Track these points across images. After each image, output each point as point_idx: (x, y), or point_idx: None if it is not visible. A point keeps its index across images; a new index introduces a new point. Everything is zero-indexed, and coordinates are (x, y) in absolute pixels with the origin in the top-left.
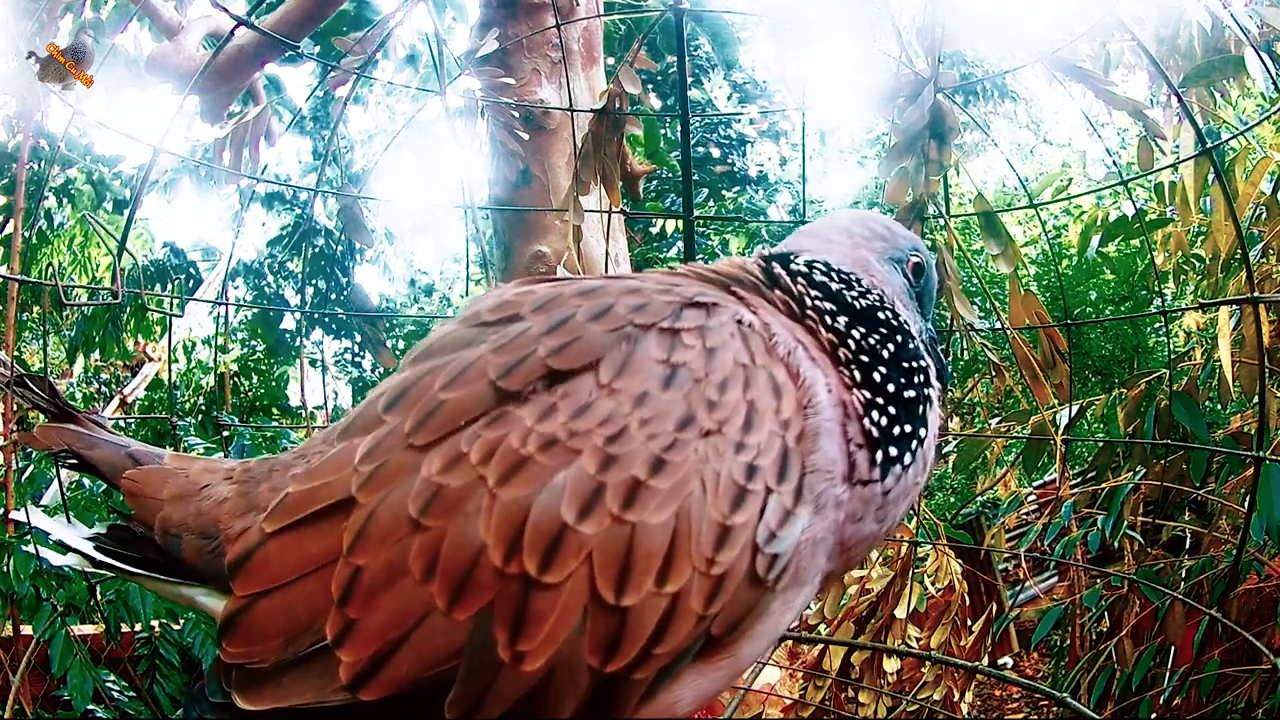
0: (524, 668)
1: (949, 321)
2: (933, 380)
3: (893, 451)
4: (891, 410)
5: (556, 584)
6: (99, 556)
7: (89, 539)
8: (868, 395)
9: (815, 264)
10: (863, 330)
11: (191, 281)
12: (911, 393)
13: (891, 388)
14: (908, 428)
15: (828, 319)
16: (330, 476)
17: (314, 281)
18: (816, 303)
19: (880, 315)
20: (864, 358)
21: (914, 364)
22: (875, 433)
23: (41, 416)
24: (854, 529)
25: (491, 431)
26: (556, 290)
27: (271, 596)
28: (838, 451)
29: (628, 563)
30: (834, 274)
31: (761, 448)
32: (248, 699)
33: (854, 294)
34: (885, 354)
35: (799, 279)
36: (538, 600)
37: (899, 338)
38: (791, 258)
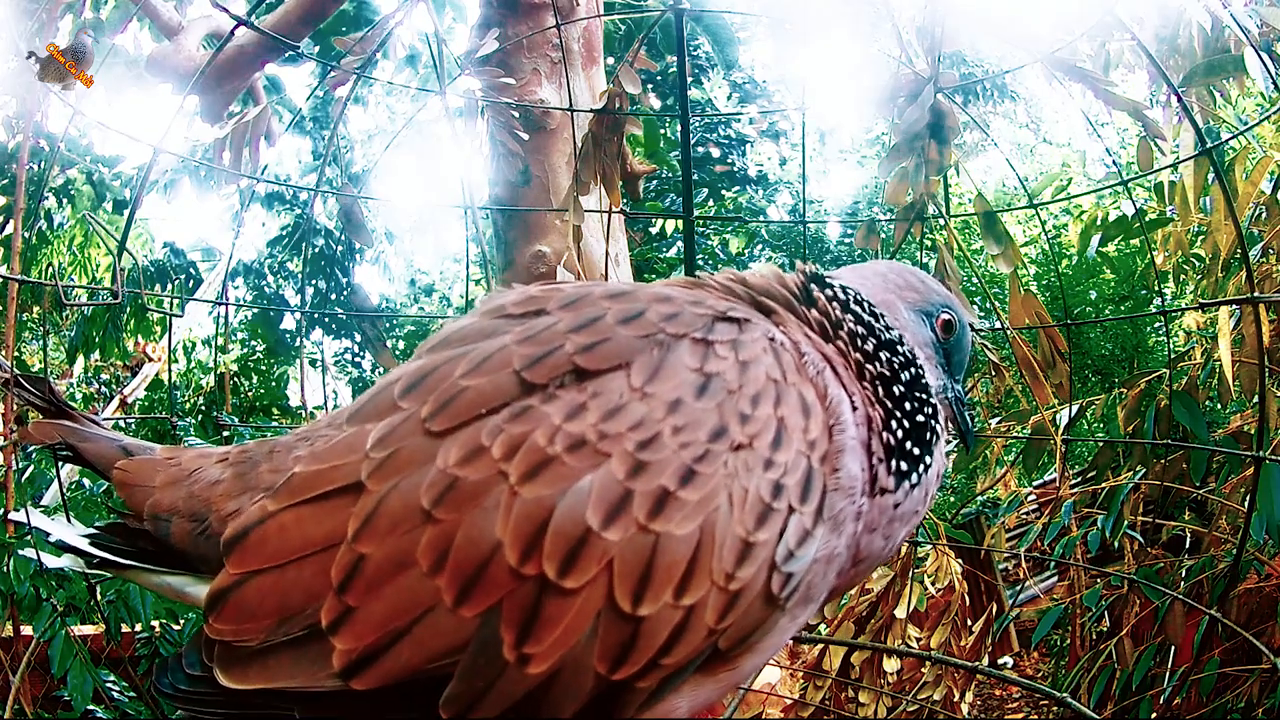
0: (529, 670)
1: None
2: (942, 421)
3: (904, 466)
4: (906, 424)
5: (574, 589)
6: (95, 552)
7: (85, 536)
8: (889, 406)
9: (849, 289)
10: (887, 355)
11: (191, 281)
12: (921, 418)
13: (908, 405)
14: (917, 450)
15: (858, 340)
16: (339, 460)
17: (314, 281)
18: (849, 324)
19: (899, 348)
20: (885, 373)
21: (925, 396)
22: (892, 442)
23: (40, 416)
24: (868, 540)
25: (515, 426)
26: (585, 290)
27: (266, 576)
28: (859, 468)
29: (648, 573)
30: (865, 303)
31: (788, 466)
32: (231, 677)
33: (880, 325)
34: (904, 376)
35: (834, 302)
36: (552, 604)
37: (913, 369)
38: (829, 280)
